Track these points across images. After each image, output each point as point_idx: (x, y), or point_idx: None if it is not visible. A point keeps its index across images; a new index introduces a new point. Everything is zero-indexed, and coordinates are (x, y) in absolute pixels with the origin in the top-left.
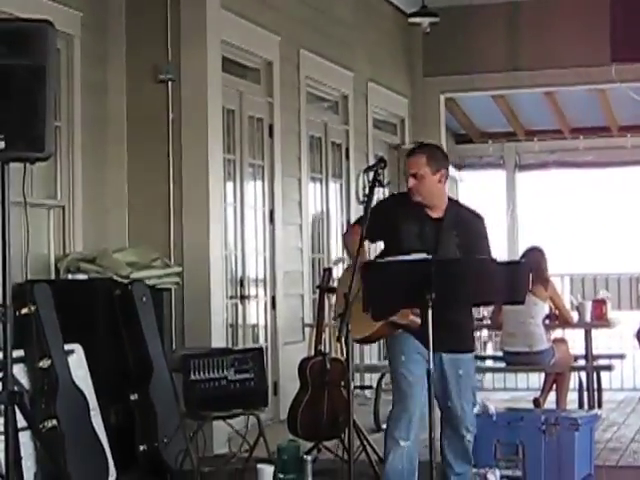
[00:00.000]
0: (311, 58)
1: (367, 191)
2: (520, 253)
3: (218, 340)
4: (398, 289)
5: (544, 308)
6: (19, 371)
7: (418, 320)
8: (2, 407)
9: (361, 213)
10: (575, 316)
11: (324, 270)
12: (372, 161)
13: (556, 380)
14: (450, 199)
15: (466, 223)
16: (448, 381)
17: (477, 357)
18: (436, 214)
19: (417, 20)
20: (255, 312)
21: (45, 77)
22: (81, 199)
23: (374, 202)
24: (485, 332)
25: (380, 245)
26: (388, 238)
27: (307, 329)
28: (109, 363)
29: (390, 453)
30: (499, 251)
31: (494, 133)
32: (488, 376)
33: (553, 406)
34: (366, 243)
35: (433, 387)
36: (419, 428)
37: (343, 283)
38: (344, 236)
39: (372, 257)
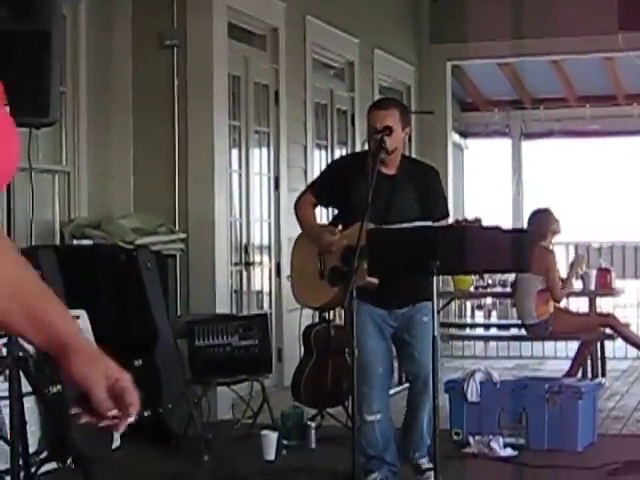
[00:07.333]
0: (317, 24)
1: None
2: (525, 221)
3: (222, 306)
4: (402, 257)
5: (536, 282)
6: None
7: (375, 281)
8: (7, 372)
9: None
10: (579, 285)
11: None
12: None
13: (580, 348)
14: (403, 155)
15: (422, 177)
16: (411, 335)
17: (482, 325)
18: (390, 171)
19: None
20: (260, 279)
21: (50, 42)
22: (86, 165)
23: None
24: (489, 300)
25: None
26: (341, 202)
27: None
28: (113, 329)
29: (362, 429)
30: (504, 219)
31: (500, 101)
32: (492, 344)
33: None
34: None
35: (395, 350)
36: (385, 399)
37: (296, 253)
38: (295, 206)
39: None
